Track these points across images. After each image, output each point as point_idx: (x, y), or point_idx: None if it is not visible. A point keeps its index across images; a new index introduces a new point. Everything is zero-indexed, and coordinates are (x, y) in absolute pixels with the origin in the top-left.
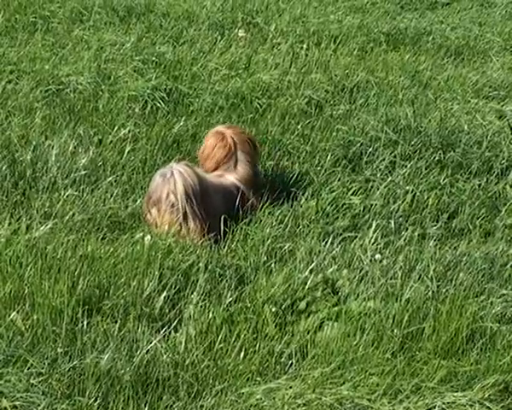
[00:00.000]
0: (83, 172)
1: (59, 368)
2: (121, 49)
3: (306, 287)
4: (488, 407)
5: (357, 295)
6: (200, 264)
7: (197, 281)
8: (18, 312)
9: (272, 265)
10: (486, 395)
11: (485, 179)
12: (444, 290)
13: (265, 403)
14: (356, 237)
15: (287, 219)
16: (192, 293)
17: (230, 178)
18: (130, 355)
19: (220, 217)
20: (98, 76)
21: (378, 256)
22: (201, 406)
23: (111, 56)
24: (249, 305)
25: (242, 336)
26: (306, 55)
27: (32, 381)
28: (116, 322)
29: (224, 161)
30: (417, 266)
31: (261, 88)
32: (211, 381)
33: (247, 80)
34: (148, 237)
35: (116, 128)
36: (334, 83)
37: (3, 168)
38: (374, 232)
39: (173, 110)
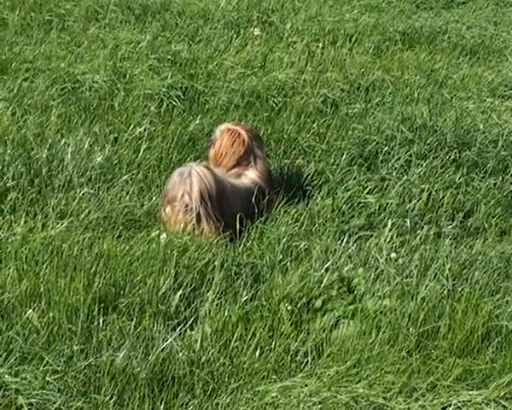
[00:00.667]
0: (98, 171)
1: (75, 366)
2: (137, 47)
3: (322, 285)
4: (504, 406)
5: (373, 293)
6: (216, 262)
7: (213, 279)
8: (34, 309)
9: (288, 263)
10: (502, 394)
11: (500, 178)
12: (459, 289)
13: (281, 401)
14: (371, 235)
15: (302, 217)
16: (208, 291)
17: (251, 175)
18: (145, 353)
19: (237, 216)
20: (114, 74)
21: (394, 255)
22: (217, 404)
23: (126, 55)
24: (265, 303)
25: (258, 334)
26: (322, 53)
27: (47, 378)
28: (132, 320)
29: (244, 157)
30: (433, 265)
31: (277, 86)
32: (226, 379)
33: (262, 79)
34: (164, 235)
35: (132, 126)
36: (349, 81)
37: (19, 166)
38: (389, 231)
39: (189, 108)
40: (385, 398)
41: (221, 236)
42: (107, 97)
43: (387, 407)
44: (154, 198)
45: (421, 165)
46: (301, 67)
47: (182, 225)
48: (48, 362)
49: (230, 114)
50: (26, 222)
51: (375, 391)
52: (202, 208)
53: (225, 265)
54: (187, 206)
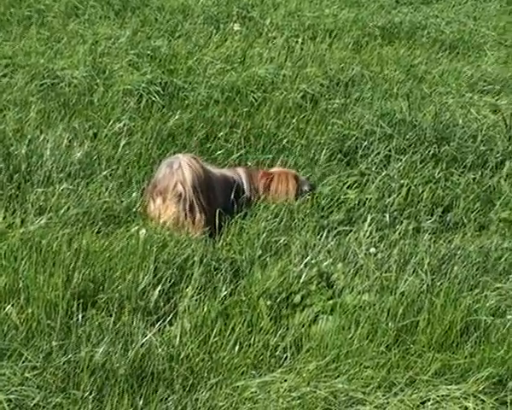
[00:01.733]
0: (78, 166)
1: (54, 362)
2: (116, 42)
3: (301, 281)
4: (482, 400)
5: (352, 288)
6: (196, 257)
7: (192, 275)
8: (13, 305)
9: (267, 258)
10: (480, 388)
11: (479, 173)
12: (438, 284)
13: (260, 396)
14: (351, 230)
15: (282, 213)
16: (187, 286)
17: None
18: (125, 349)
19: (219, 209)
20: (93, 70)
21: (373, 250)
22: (196, 399)
23: (106, 50)
24: (244, 298)
25: (237, 329)
26: (301, 49)
27: (26, 374)
28: (111, 316)
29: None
30: (412, 260)
31: (256, 82)
32: (206, 374)
33: (242, 74)
34: (143, 230)
35: (111, 122)
36: (329, 77)
37: None
38: (369, 226)
39: (168, 104)
40: (364, 393)
41: (211, 227)
42: (87, 93)
43: (366, 401)
44: (133, 194)
45: (401, 160)
46: (281, 62)
47: (173, 216)
48: (27, 358)
49: (210, 110)
50: (4, 218)
51: (354, 386)
52: (195, 197)
53: (205, 260)
54: (180, 196)
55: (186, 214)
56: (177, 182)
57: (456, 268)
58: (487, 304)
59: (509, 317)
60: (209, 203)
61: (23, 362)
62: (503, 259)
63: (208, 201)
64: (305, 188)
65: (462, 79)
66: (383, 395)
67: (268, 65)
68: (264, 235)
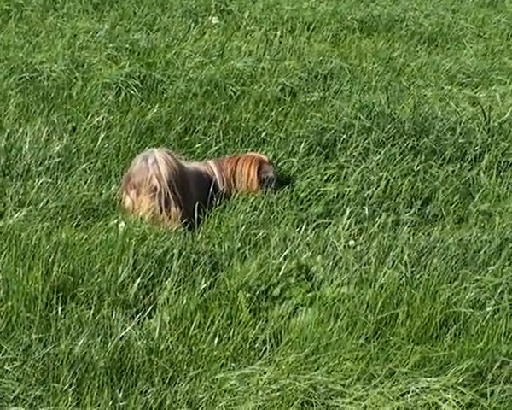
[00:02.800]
0: (57, 160)
1: (33, 354)
2: (95, 36)
3: (280, 273)
4: (462, 392)
5: (331, 281)
6: (175, 250)
7: (171, 267)
8: None
9: (246, 251)
10: (460, 380)
11: (458, 166)
12: (417, 276)
13: (240, 388)
14: (330, 223)
15: (261, 205)
16: (166, 279)
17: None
18: (104, 341)
19: (195, 203)
20: (72, 63)
21: (352, 242)
22: (176, 391)
23: (85, 44)
24: (223, 291)
25: (217, 322)
26: (280, 42)
27: (6, 367)
28: (90, 309)
29: None
30: (391, 252)
31: (235, 75)
32: (185, 367)
33: (220, 67)
34: (123, 223)
35: (90, 115)
36: (307, 70)
37: None
38: (348, 219)
39: (147, 97)
40: (343, 385)
41: (184, 221)
42: (65, 87)
43: (346, 393)
44: (112, 187)
45: (380, 153)
46: (259, 55)
47: (149, 210)
48: (6, 351)
49: (189, 103)
50: None
51: (334, 378)
52: (171, 191)
53: (184, 253)
54: (155, 189)
55: (162, 208)
56: (153, 176)
57: (435, 261)
58: (466, 296)
59: (488, 309)
60: (184, 198)
61: (3, 355)
62: (482, 251)
63: (183, 195)
64: (269, 175)
65: (441, 71)
66: (362, 388)
67: (246, 58)
68: (243, 228)
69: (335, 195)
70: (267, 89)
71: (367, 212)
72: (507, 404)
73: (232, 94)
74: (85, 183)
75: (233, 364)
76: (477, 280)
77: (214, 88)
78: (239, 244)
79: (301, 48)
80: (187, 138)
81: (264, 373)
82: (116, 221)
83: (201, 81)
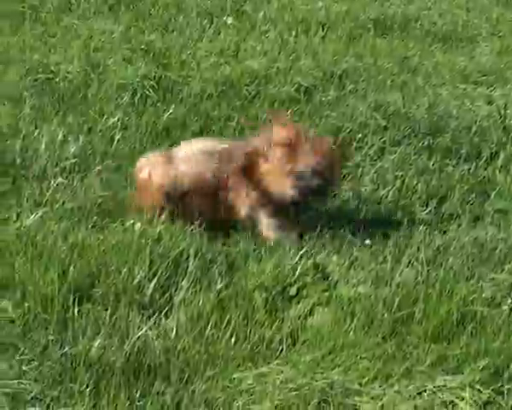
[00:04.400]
0: (72, 161)
1: (50, 355)
2: (110, 37)
3: (296, 273)
4: (479, 390)
5: (348, 280)
6: (191, 250)
7: (187, 267)
8: (9, 300)
9: (262, 251)
10: (477, 379)
11: (474, 164)
12: (434, 275)
13: (257, 388)
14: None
15: None
16: (182, 280)
17: None
18: (121, 342)
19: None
20: (87, 64)
21: (368, 242)
22: (193, 391)
23: (100, 45)
24: (240, 291)
25: (233, 322)
26: (295, 42)
27: (23, 368)
28: (107, 309)
29: None
30: (407, 251)
31: (250, 75)
32: (202, 367)
33: (235, 68)
34: (138, 224)
35: (105, 117)
36: (322, 69)
37: None
38: (364, 217)
39: (162, 98)
40: (360, 384)
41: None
42: (81, 88)
43: (363, 392)
44: (128, 188)
45: (395, 152)
46: (274, 55)
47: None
48: (24, 352)
49: (204, 104)
50: (0, 213)
51: (350, 377)
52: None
53: (199, 253)
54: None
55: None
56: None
57: (451, 259)
58: (483, 295)
59: (504, 307)
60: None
61: (20, 356)
62: (497, 249)
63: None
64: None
65: (456, 70)
66: (379, 386)
67: (261, 58)
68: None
69: (351, 194)
70: (282, 88)
71: (383, 211)
72: None
73: (247, 94)
74: (101, 185)
75: (250, 364)
76: (493, 279)
77: (229, 88)
78: (255, 245)
79: (316, 47)
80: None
81: (281, 373)
82: (132, 222)
83: (217, 81)
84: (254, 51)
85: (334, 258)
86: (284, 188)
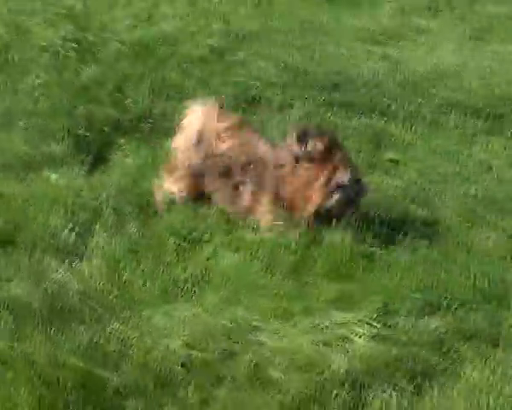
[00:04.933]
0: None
1: None
2: (32, 1)
3: (205, 219)
4: (373, 326)
5: (251, 226)
6: (109, 201)
7: (104, 215)
8: None
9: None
10: (374, 316)
11: (369, 117)
12: None
13: (167, 325)
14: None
15: None
16: (99, 227)
17: None
18: (37, 284)
19: None
20: (10, 27)
21: None
22: (108, 330)
23: (22, 8)
24: (152, 237)
25: (145, 265)
26: (206, 5)
27: None
28: (27, 254)
29: None
30: None
31: (163, 37)
32: (116, 308)
33: (150, 30)
34: (54, 175)
35: (29, 77)
36: (232, 31)
37: None
38: None
39: (82, 58)
40: (262, 321)
41: None
42: (5, 50)
43: (265, 329)
44: (51, 144)
45: (298, 106)
46: (186, 18)
47: None
48: None
49: (121, 64)
50: None
51: (254, 315)
52: None
53: (116, 203)
54: None
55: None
56: None
57: None
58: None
59: (391, 247)
60: None
61: None
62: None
63: None
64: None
65: (355, 30)
66: (280, 323)
67: (174, 21)
68: None
69: None
70: (194, 50)
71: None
72: (410, 334)
73: (161, 54)
74: (25, 140)
75: (161, 302)
76: (385, 221)
77: (144, 49)
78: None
79: (226, 11)
80: (119, 95)
81: (190, 311)
82: (50, 174)
83: (132, 43)
84: (167, 15)
85: None
86: (323, 199)
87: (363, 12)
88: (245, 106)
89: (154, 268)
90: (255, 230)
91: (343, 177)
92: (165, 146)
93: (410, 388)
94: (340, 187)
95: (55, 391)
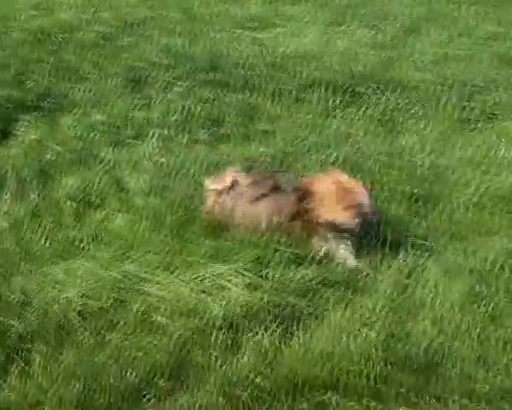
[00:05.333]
0: None
1: None
2: None
3: (99, 185)
4: (245, 275)
5: (141, 191)
6: (12, 171)
7: (8, 184)
8: None
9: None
10: (248, 267)
11: (243, 94)
12: None
13: (66, 280)
14: (140, 144)
15: (80, 132)
16: (4, 194)
17: None
18: None
19: None
20: None
21: (164, 160)
22: (11, 283)
23: None
24: (51, 201)
25: (46, 226)
26: None
27: None
28: None
29: None
30: (187, 165)
31: (61, 25)
32: (21, 264)
33: (49, 19)
34: None
35: None
36: (121, 19)
37: None
38: (156, 140)
39: None
40: (149, 273)
41: None
42: None
43: (151, 280)
44: None
45: (181, 85)
46: (80, 8)
47: None
48: None
49: (22, 49)
50: None
51: (142, 268)
52: None
53: (19, 172)
54: None
55: None
56: None
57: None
58: None
59: None
60: None
61: None
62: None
63: None
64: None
65: (231, 17)
66: (165, 276)
67: (70, 10)
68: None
69: (146, 121)
70: (87, 36)
71: (171, 133)
72: (279, 282)
73: (58, 40)
74: None
75: (60, 260)
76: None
77: (43, 36)
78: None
79: (114, 1)
80: (22, 77)
81: (85, 267)
82: None
83: (33, 31)
84: (64, 5)
85: (128, 172)
86: (349, 220)
87: (237, 2)
88: (133, 85)
89: (54, 229)
90: (143, 193)
91: (365, 203)
92: (62, 121)
93: (280, 330)
94: (363, 211)
95: None
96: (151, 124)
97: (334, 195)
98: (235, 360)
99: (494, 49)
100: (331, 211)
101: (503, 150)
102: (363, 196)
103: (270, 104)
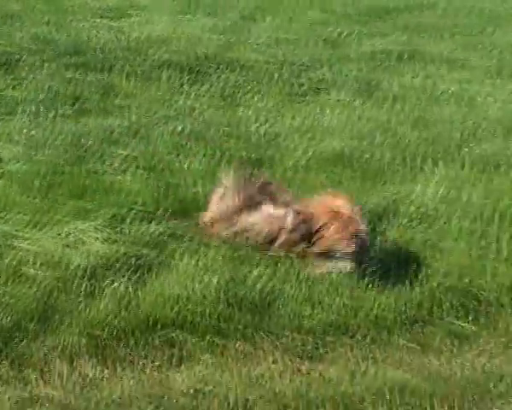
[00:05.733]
0: None
1: None
2: None
3: None
4: (103, 231)
5: (13, 159)
6: None
7: None
8: None
9: None
10: (106, 224)
11: (101, 73)
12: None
13: None
14: (12, 119)
15: None
16: None
17: None
18: None
19: None
20: None
21: (34, 132)
22: None
23: None
24: None
25: None
26: None
27: None
28: None
29: None
30: (55, 137)
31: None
32: None
33: None
34: None
35: None
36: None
37: None
38: (27, 115)
39: None
40: (20, 230)
41: None
42: None
43: (21, 236)
44: None
45: (49, 68)
46: None
47: None
48: None
49: None
50: None
51: (13, 226)
52: None
53: None
54: None
55: None
56: None
57: (90, 142)
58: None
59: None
60: None
61: None
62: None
63: None
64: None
65: (91, 9)
66: (34, 232)
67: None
68: None
69: (19, 99)
70: None
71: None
72: (134, 236)
73: None
74: None
75: None
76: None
77: None
78: None
79: None
80: None
81: None
82: None
83: None
84: None
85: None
86: (347, 246)
87: None
88: (6, 68)
89: None
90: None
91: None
92: None
93: (135, 278)
94: (360, 237)
95: None
96: (22, 101)
97: (335, 224)
98: (95, 305)
99: (318, 32)
100: (331, 240)
101: (326, 120)
102: (361, 224)
103: (126, 83)
